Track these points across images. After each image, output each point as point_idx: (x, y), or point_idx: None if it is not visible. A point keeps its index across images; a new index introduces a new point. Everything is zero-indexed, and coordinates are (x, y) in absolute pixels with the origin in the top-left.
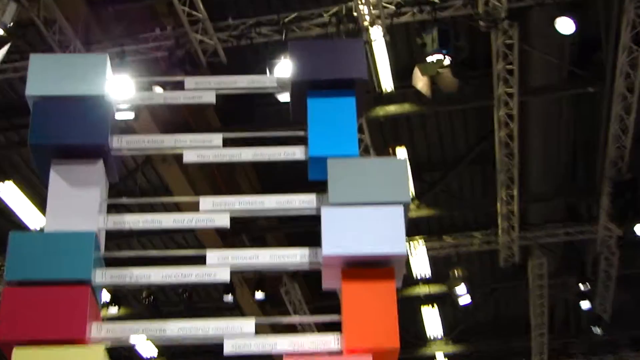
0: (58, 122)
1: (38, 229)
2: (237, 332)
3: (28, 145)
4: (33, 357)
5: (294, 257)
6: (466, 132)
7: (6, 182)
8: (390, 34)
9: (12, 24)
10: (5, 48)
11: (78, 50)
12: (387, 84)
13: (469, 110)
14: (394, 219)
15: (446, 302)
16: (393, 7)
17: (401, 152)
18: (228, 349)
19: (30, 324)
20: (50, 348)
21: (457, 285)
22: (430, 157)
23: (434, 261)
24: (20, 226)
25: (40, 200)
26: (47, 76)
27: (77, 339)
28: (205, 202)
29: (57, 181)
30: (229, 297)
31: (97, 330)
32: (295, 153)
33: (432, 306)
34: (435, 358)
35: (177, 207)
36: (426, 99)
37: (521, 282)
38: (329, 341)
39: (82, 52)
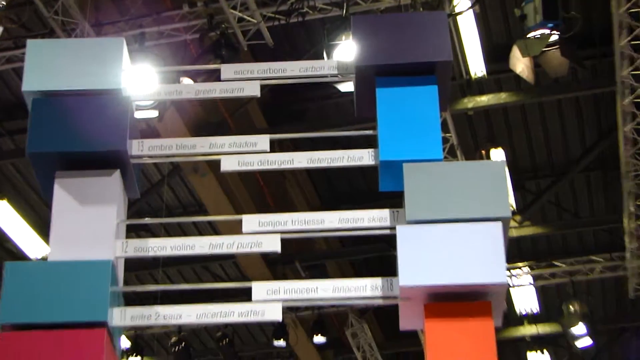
0: (63, 124)
1: (39, 258)
2: None
3: (26, 154)
4: None
5: (362, 289)
6: (581, 127)
7: None
8: (481, 3)
9: (4, 2)
10: None
11: (87, 34)
12: (477, 67)
13: (584, 99)
14: (491, 239)
15: (559, 346)
16: None
17: (497, 155)
18: None
19: None
20: None
21: (574, 324)
22: (534, 161)
23: (543, 293)
24: (17, 255)
25: (41, 223)
26: (48, 67)
27: None
28: (250, 221)
29: (62, 198)
30: (280, 342)
31: None
32: (362, 157)
33: (542, 351)
34: None
35: (213, 229)
36: (528, 86)
37: None
38: None
39: (91, 36)
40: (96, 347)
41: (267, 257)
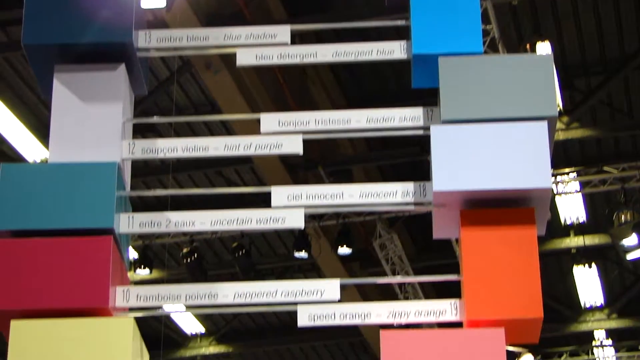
0: (62, 13)
1: (38, 161)
2: (315, 297)
3: (22, 46)
4: (37, 333)
5: (392, 194)
6: (638, 18)
7: None
8: None
9: None
10: None
11: None
12: None
13: None
14: (535, 140)
15: (608, 259)
16: None
17: (544, 49)
18: (303, 320)
19: (32, 289)
20: (59, 321)
21: (625, 235)
22: (585, 56)
23: (591, 202)
24: (13, 158)
25: (39, 125)
26: None
27: (97, 308)
28: (269, 120)
29: (62, 95)
30: (301, 254)
31: (124, 297)
32: (393, 51)
33: (589, 265)
34: (594, 336)
35: (228, 131)
36: None
37: None
38: (443, 310)
39: None
40: (102, 255)
41: (287, 162)
